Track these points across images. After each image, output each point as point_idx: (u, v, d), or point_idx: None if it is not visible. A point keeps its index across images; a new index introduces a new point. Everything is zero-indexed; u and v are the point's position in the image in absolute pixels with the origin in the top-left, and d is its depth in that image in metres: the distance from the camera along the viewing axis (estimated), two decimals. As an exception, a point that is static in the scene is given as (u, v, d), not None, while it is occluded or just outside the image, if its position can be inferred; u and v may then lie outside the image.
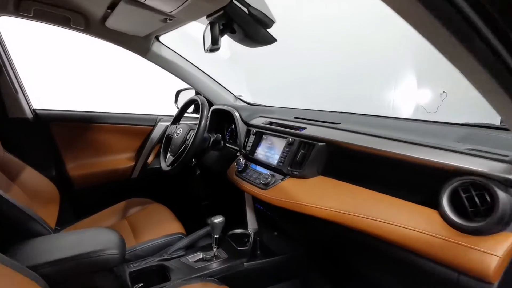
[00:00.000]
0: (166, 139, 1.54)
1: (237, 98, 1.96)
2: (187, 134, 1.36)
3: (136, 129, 1.71)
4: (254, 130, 1.26)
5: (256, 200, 1.33)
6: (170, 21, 1.14)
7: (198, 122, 1.28)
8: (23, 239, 0.89)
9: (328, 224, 0.85)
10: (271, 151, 1.15)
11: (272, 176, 1.06)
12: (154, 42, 1.51)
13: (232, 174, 1.27)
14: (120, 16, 1.14)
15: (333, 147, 0.95)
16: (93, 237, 0.91)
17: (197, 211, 1.97)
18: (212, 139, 1.39)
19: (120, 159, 1.70)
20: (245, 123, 1.39)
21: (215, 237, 1.12)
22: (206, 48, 1.05)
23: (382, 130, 0.90)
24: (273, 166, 1.09)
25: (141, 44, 1.46)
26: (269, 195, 1.03)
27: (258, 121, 1.33)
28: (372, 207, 0.77)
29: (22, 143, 1.38)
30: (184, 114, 1.58)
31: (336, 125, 1.05)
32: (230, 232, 1.30)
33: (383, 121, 1.16)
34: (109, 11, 1.14)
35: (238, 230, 1.32)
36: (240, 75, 2.36)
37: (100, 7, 1.14)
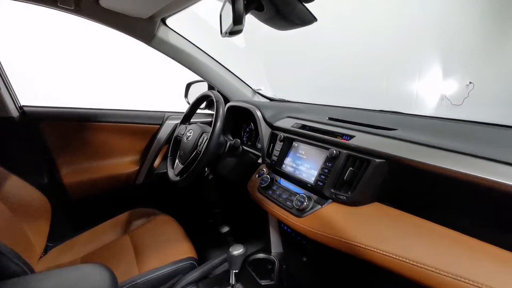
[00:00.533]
0: (174, 142, 1.31)
1: (255, 92, 1.71)
2: (199, 138, 1.12)
3: (140, 128, 1.48)
4: (281, 135, 1.01)
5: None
6: (177, -4, 0.88)
7: (212, 123, 1.04)
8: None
9: (393, 274, 0.61)
10: (305, 163, 0.90)
11: (309, 198, 0.81)
12: (160, 26, 1.26)
13: (254, 189, 1.02)
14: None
15: (396, 165, 0.69)
16: (75, 285, 0.69)
17: (208, 220, 1.75)
18: (228, 144, 1.15)
19: (123, 163, 1.48)
20: (269, 124, 1.14)
21: (234, 273, 0.89)
22: (225, 30, 0.80)
23: (458, 142, 0.65)
24: (309, 184, 0.84)
25: (144, 29, 1.22)
26: (306, 226, 0.78)
27: (286, 123, 1.08)
28: (466, 262, 0.52)
29: (5, 146, 1.18)
30: (195, 112, 1.34)
31: (391, 132, 0.79)
32: (251, 258, 1.07)
33: (453, 125, 0.89)
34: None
35: (260, 255, 1.09)
36: (258, 65, 2.09)
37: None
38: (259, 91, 1.72)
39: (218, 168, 1.21)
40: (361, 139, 0.78)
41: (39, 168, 1.28)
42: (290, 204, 0.85)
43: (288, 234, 1.08)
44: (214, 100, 1.09)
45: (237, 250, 0.86)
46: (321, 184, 0.80)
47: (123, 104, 1.47)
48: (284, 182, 0.95)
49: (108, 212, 1.35)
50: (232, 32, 0.78)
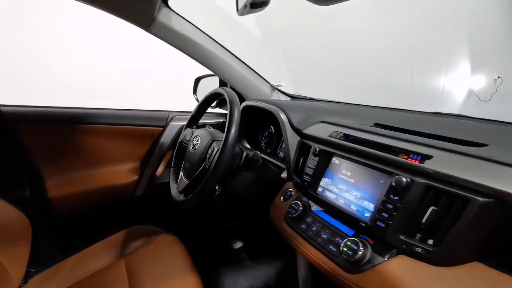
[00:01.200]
0: (178, 149, 1.08)
1: (274, 88, 1.46)
2: (208, 148, 0.89)
3: (140, 131, 1.26)
4: (316, 147, 0.76)
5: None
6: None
7: (224, 127, 0.80)
8: None
9: None
10: (353, 190, 0.65)
11: (364, 245, 0.56)
12: (161, 8, 1.02)
13: (279, 219, 0.78)
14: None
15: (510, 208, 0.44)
16: None
17: (220, 235, 1.53)
18: (245, 155, 0.91)
19: (119, 172, 1.27)
20: (298, 131, 0.89)
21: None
22: (245, 2, 0.55)
23: None
24: (363, 223, 0.59)
25: (141, 11, 0.98)
26: (356, 283, 0.54)
27: (320, 130, 0.83)
28: None
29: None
30: (203, 113, 1.11)
31: (483, 150, 0.54)
32: None
33: None
34: None
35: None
36: (278, 59, 1.83)
37: None
38: (279, 87, 1.47)
39: (231, 185, 0.97)
40: (444, 161, 0.53)
41: (17, 180, 1.07)
42: (334, 248, 0.60)
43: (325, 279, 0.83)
44: (227, 100, 0.85)
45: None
46: (383, 225, 0.55)
47: (119, 103, 1.24)
48: (321, 213, 0.70)
49: (100, 231, 1.14)
50: (255, 5, 0.53)
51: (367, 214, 0.59)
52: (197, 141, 0.95)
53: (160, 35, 1.07)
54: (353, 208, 0.63)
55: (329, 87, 1.72)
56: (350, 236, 0.60)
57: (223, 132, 0.79)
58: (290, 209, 0.74)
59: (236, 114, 0.81)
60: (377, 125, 0.81)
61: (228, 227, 1.59)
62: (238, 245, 1.58)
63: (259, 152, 0.84)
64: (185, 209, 1.36)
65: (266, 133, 1.24)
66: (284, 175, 0.95)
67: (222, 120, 1.41)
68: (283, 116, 0.92)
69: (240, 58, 1.31)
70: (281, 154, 1.13)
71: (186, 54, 1.17)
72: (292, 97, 1.45)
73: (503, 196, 0.44)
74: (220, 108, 1.52)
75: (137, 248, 1.09)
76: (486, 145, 0.57)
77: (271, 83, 1.45)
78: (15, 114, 1.05)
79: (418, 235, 0.52)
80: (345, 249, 0.57)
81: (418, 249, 0.50)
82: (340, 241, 0.60)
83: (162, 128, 1.28)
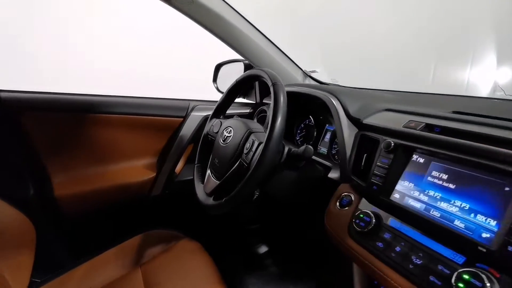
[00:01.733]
0: (203, 143, 0.92)
1: (307, 75, 1.29)
2: (245, 141, 0.72)
3: (157, 122, 1.10)
4: (391, 141, 0.59)
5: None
6: None
7: (269, 120, 0.63)
8: None
9: None
10: (454, 198, 0.48)
11: (488, 279, 0.39)
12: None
13: (340, 231, 0.62)
14: None
15: None
16: None
17: (242, 241, 1.39)
18: (287, 151, 0.74)
19: (134, 169, 1.12)
20: (356, 122, 0.72)
21: None
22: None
23: None
24: (483, 247, 0.42)
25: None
26: None
27: (388, 120, 0.66)
28: None
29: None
30: (233, 100, 0.94)
31: None
32: None
33: None
34: None
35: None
36: (310, 44, 1.65)
37: None
38: (312, 74, 1.30)
39: (269, 186, 0.81)
40: None
41: (19, 177, 0.93)
42: (439, 283, 0.44)
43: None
44: (269, 83, 0.69)
45: None
46: (502, 249, 0.38)
47: (133, 90, 1.09)
48: (403, 227, 0.53)
49: (113, 235, 1.00)
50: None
51: (487, 235, 0.42)
52: (229, 133, 0.78)
53: (183, 10, 0.91)
54: (459, 225, 0.46)
55: (363, 75, 1.54)
56: (461, 265, 0.43)
57: (269, 124, 0.63)
58: (357, 220, 0.57)
59: (282, 100, 0.65)
60: (457, 113, 0.64)
61: (250, 230, 1.44)
62: (263, 249, 1.43)
63: (311, 148, 0.67)
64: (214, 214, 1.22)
65: (302, 125, 1.07)
66: (333, 175, 0.79)
67: (248, 111, 1.25)
68: (336, 103, 0.75)
69: (269, 38, 1.15)
70: (323, 150, 0.96)
71: (212, 33, 1.01)
72: (326, 84, 1.28)
73: None
74: (244, 97, 1.36)
75: (155, 255, 0.95)
76: None
77: (304, 69, 1.28)
78: (17, 101, 0.91)
79: None
80: (461, 284, 0.40)
81: None
82: (447, 271, 0.43)
83: (182, 119, 1.13)
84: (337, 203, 0.67)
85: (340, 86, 1.14)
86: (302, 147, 0.68)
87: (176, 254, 0.94)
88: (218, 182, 0.76)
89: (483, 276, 0.39)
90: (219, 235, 1.33)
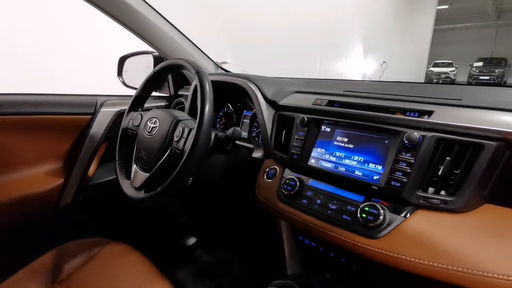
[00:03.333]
0: (123, 138, 0.88)
1: (218, 66, 1.34)
2: (174, 130, 0.73)
3: (60, 121, 0.97)
4: (304, 117, 0.71)
5: (298, 231, 0.80)
6: None
7: (198, 106, 0.67)
8: None
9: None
10: (354, 155, 0.62)
11: (382, 208, 0.54)
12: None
13: (271, 198, 0.71)
14: None
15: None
16: None
17: (171, 235, 1.37)
18: (214, 136, 0.79)
19: (36, 177, 0.96)
20: (273, 104, 0.82)
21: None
22: None
23: None
24: (375, 187, 0.57)
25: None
26: (387, 250, 0.51)
27: (299, 100, 0.78)
28: None
29: None
30: (151, 92, 0.92)
31: (459, 102, 0.58)
32: (271, 285, 0.77)
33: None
34: None
35: (279, 282, 0.79)
36: (218, 36, 1.69)
37: None
38: (223, 65, 1.36)
39: (200, 172, 0.84)
40: (447, 114, 0.54)
41: None
42: (348, 218, 0.57)
43: (313, 249, 0.80)
44: (193, 71, 0.72)
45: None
46: (398, 184, 0.54)
47: (29, 86, 0.93)
48: (320, 185, 0.66)
49: (19, 256, 0.85)
50: None
51: (377, 177, 0.57)
52: (154, 124, 0.77)
53: (101, 5, 0.84)
54: (358, 174, 0.60)
55: (268, 67, 1.69)
56: (362, 202, 0.57)
57: (199, 110, 0.66)
58: (284, 186, 0.67)
59: (208, 86, 0.69)
60: (347, 91, 0.81)
61: (178, 223, 1.43)
62: (192, 241, 1.44)
63: (239, 129, 0.73)
64: (146, 208, 1.15)
65: (221, 113, 1.13)
66: (257, 154, 0.88)
67: (164, 104, 1.23)
68: (254, 88, 0.83)
69: (180, 30, 1.15)
70: (244, 134, 1.04)
71: (121, 24, 0.95)
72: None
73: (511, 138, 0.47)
74: (157, 91, 1.32)
75: (76, 267, 0.85)
76: (459, 99, 0.61)
77: (215, 61, 1.33)
78: None
79: (432, 188, 0.52)
80: (364, 215, 0.54)
81: (436, 201, 0.51)
82: (353, 209, 0.57)
83: (90, 116, 1.03)
84: (265, 176, 0.76)
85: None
86: (230, 130, 0.74)
87: (104, 260, 0.87)
88: (148, 174, 0.75)
89: (378, 205, 0.54)
90: (146, 233, 1.27)
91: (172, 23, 1.11)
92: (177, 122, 0.74)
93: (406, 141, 0.54)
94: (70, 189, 1.01)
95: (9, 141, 0.88)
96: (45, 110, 0.91)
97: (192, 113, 0.77)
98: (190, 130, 0.69)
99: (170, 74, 1.22)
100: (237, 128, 0.73)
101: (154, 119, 0.79)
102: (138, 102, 0.90)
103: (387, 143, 0.58)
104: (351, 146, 0.63)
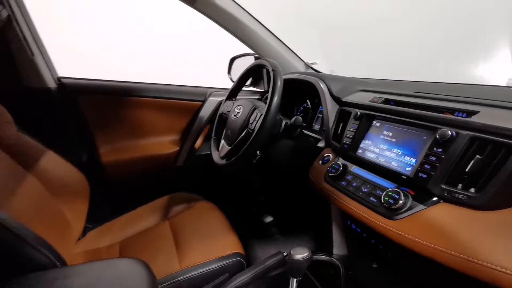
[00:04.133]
0: (219, 120, 1.15)
1: (308, 66, 1.48)
2: (250, 115, 0.94)
3: (181, 104, 1.34)
4: (357, 112, 0.79)
5: (348, 216, 0.88)
6: None
7: (268, 97, 0.85)
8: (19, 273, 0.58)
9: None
10: (395, 148, 0.68)
11: (405, 195, 0.60)
12: (206, -15, 1.09)
13: (319, 178, 0.83)
14: None
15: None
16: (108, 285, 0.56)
17: (251, 208, 1.60)
18: (284, 123, 0.96)
19: (162, 143, 1.36)
20: (337, 100, 0.92)
21: (295, 281, 0.71)
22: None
23: None
24: (404, 176, 0.63)
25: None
26: (401, 231, 0.58)
27: (361, 97, 0.86)
28: None
29: (42, 120, 1.10)
30: (243, 85, 1.16)
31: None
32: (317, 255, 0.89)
33: None
34: None
35: (321, 257, 0.90)
36: (313, 36, 1.84)
37: None
38: (313, 65, 1.50)
39: (270, 152, 1.02)
40: (490, 115, 0.55)
41: (77, 145, 1.20)
42: (375, 200, 0.65)
43: (357, 234, 0.88)
44: (270, 69, 0.90)
45: (301, 254, 0.68)
46: (425, 176, 0.58)
47: (163, 78, 1.33)
48: (361, 171, 0.74)
49: (147, 195, 1.24)
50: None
51: (409, 168, 0.62)
52: (239, 109, 1.01)
53: (203, 10, 1.13)
54: (394, 164, 0.66)
55: (365, 69, 1.71)
56: (390, 188, 0.63)
57: (268, 100, 0.84)
58: (330, 169, 0.78)
59: (279, 82, 0.86)
60: (416, 92, 0.83)
61: (259, 201, 1.65)
62: (268, 219, 1.64)
63: (300, 118, 0.88)
64: (227, 173, 1.43)
65: (302, 108, 1.28)
66: (321, 144, 1.00)
67: (257, 97, 1.47)
68: (322, 85, 0.95)
69: (276, 35, 1.36)
70: (316, 127, 1.16)
71: (226, 30, 1.23)
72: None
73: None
74: (255, 87, 1.57)
75: (179, 212, 1.18)
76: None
77: (305, 61, 1.48)
78: (75, 86, 1.17)
79: (460, 184, 0.55)
80: (386, 198, 0.61)
81: (460, 196, 0.53)
82: (381, 193, 0.64)
83: (201, 103, 1.36)
84: (320, 161, 0.88)
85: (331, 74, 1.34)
86: (293, 118, 0.89)
87: (196, 211, 1.17)
88: (229, 147, 0.99)
89: (401, 192, 0.60)
90: (230, 200, 1.55)
91: (269, 28, 1.33)
92: (254, 108, 0.95)
93: (438, 137, 0.57)
94: (182, 155, 1.38)
95: (150, 116, 1.29)
96: (172, 96, 1.29)
97: None
98: (261, 115, 0.89)
99: (265, 73, 1.44)
100: (299, 117, 0.88)
101: (239, 106, 1.02)
102: (233, 93, 1.15)
103: (425, 138, 0.62)
104: (393, 140, 0.69)
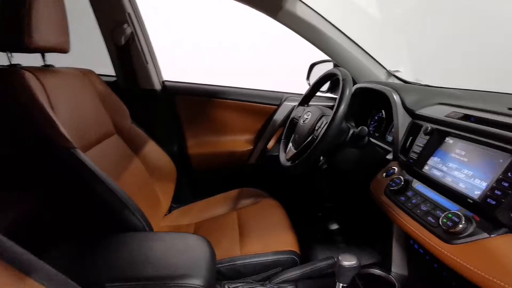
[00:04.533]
0: (289, 124, 1.22)
1: (391, 74, 1.41)
2: (317, 122, 0.98)
3: (257, 107, 1.46)
4: (428, 126, 0.75)
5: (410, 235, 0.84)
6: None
7: (335, 105, 0.88)
8: (114, 231, 0.78)
9: None
10: (465, 169, 0.63)
11: (467, 220, 0.55)
12: (289, -1, 1.17)
13: (379, 191, 0.82)
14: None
15: None
16: (179, 252, 0.70)
17: (317, 213, 1.62)
18: (352, 132, 0.96)
19: (239, 141, 1.51)
20: (410, 112, 0.88)
21: (341, 286, 0.73)
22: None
23: None
24: (471, 200, 0.58)
25: (270, 1, 1.14)
26: (458, 258, 0.54)
27: (436, 111, 0.80)
28: None
29: (149, 115, 1.36)
30: (316, 93, 1.20)
31: None
32: (364, 271, 0.88)
33: None
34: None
35: (377, 271, 0.88)
36: (398, 42, 1.74)
37: None
38: (396, 73, 1.42)
39: (336, 160, 1.04)
40: None
41: (171, 137, 1.44)
42: (432, 220, 0.61)
43: (419, 255, 0.82)
44: (340, 78, 0.92)
45: (349, 261, 0.70)
46: (493, 203, 0.53)
47: (244, 83, 1.48)
48: (424, 189, 0.70)
49: (221, 185, 1.40)
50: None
51: (477, 192, 0.57)
52: (307, 116, 1.06)
53: (285, 22, 1.22)
54: (461, 186, 0.61)
55: (459, 75, 1.52)
56: (452, 210, 0.59)
57: (333, 109, 0.87)
58: (391, 182, 0.76)
59: (347, 92, 0.88)
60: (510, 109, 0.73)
61: (325, 207, 1.65)
62: (334, 226, 1.63)
63: (366, 128, 0.88)
64: (292, 174, 1.49)
65: (376, 117, 1.24)
66: (390, 156, 0.96)
67: (332, 104, 1.48)
68: (395, 97, 0.92)
69: (356, 42, 1.34)
70: (389, 138, 1.12)
71: (307, 39, 1.28)
72: (410, 84, 1.38)
73: None
74: (331, 93, 1.58)
75: (247, 205, 1.30)
76: None
77: (388, 69, 1.41)
78: (174, 88, 1.41)
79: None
80: (444, 220, 0.57)
81: (534, 230, 0.47)
82: (441, 214, 0.60)
83: (276, 107, 1.45)
84: (384, 174, 0.86)
85: (412, 83, 1.25)
86: (359, 128, 0.89)
87: (261, 207, 1.26)
88: (295, 151, 1.05)
89: (462, 216, 0.56)
90: (296, 199, 1.60)
91: (349, 36, 1.32)
92: (321, 116, 0.98)
93: (513, 161, 0.52)
94: (255, 154, 1.50)
95: (230, 116, 1.45)
96: (251, 99, 1.42)
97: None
98: (326, 123, 0.92)
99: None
100: (364, 127, 0.88)
101: (308, 112, 1.07)
102: (305, 100, 1.21)
103: (501, 161, 0.56)
104: (465, 159, 0.64)
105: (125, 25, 1.19)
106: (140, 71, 1.31)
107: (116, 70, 1.34)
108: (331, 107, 1.46)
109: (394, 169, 0.84)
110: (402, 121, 0.88)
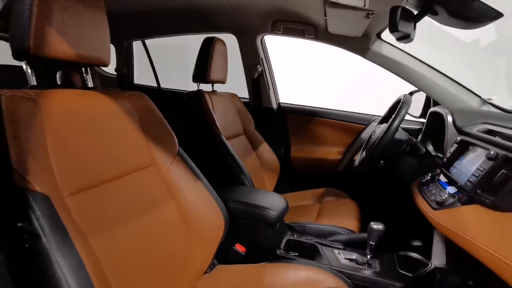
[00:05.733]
0: (368, 138, 1.52)
1: (485, 101, 1.49)
2: (381, 134, 1.28)
3: (350, 126, 1.81)
4: (458, 138, 0.97)
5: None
6: (372, 15, 1.12)
7: (390, 120, 1.17)
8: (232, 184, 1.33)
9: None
10: (468, 166, 0.84)
11: (452, 196, 0.79)
12: (375, 41, 1.52)
13: (414, 184, 1.06)
14: (332, 20, 1.29)
15: None
16: (268, 197, 1.18)
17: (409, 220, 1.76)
18: (408, 143, 1.21)
19: (331, 151, 1.88)
20: (458, 129, 1.08)
21: (370, 244, 1.02)
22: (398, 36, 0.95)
23: None
24: (459, 184, 0.81)
25: (360, 44, 1.53)
26: (436, 217, 0.79)
27: (475, 127, 0.99)
28: None
29: (266, 126, 1.93)
30: (392, 114, 1.47)
31: None
32: (402, 252, 1.10)
33: None
34: (325, 18, 1.32)
35: (414, 254, 1.08)
36: (498, 67, 1.72)
37: (321, 15, 1.35)
38: (491, 101, 1.48)
39: (396, 166, 1.28)
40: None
41: (280, 143, 1.97)
42: (433, 197, 0.86)
43: (459, 250, 0.98)
44: (401, 101, 1.21)
45: (377, 226, 0.98)
46: (469, 183, 0.76)
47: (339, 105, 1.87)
48: (442, 182, 0.93)
49: (311, 184, 1.80)
50: (400, 38, 0.93)
51: (465, 179, 0.80)
52: (377, 130, 1.36)
53: (373, 60, 1.56)
54: (460, 176, 0.84)
55: None
56: (447, 190, 0.83)
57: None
58: (422, 177, 1.01)
59: (403, 112, 1.16)
60: None
61: (408, 222, 1.76)
62: (417, 243, 1.71)
63: (413, 138, 1.12)
64: (360, 173, 1.71)
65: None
66: (444, 165, 1.15)
67: (418, 127, 1.66)
68: (449, 117, 1.13)
69: (443, 73, 1.51)
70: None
71: (393, 73, 1.57)
72: (506, 111, 1.41)
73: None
74: (424, 118, 1.74)
75: (328, 200, 1.64)
76: None
77: (483, 97, 1.49)
78: (286, 108, 1.95)
79: (489, 190, 0.70)
80: (438, 196, 0.83)
81: (485, 200, 0.70)
82: (439, 193, 0.84)
83: (365, 126, 1.76)
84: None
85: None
86: (410, 138, 1.15)
87: (340, 203, 1.58)
88: (364, 156, 1.36)
89: (449, 193, 0.80)
90: (370, 202, 1.77)
91: (436, 68, 1.51)
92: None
93: (485, 156, 0.74)
94: (342, 163, 1.83)
95: (326, 131, 1.86)
96: (344, 119, 1.79)
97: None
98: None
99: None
100: (412, 138, 1.13)
101: (379, 129, 1.37)
102: (383, 120, 1.49)
103: (483, 157, 0.77)
104: (473, 159, 0.85)
105: (258, 66, 1.83)
106: (264, 95, 1.92)
107: (249, 94, 2.00)
108: (416, 132, 1.65)
109: (437, 171, 1.06)
110: (450, 136, 1.09)
